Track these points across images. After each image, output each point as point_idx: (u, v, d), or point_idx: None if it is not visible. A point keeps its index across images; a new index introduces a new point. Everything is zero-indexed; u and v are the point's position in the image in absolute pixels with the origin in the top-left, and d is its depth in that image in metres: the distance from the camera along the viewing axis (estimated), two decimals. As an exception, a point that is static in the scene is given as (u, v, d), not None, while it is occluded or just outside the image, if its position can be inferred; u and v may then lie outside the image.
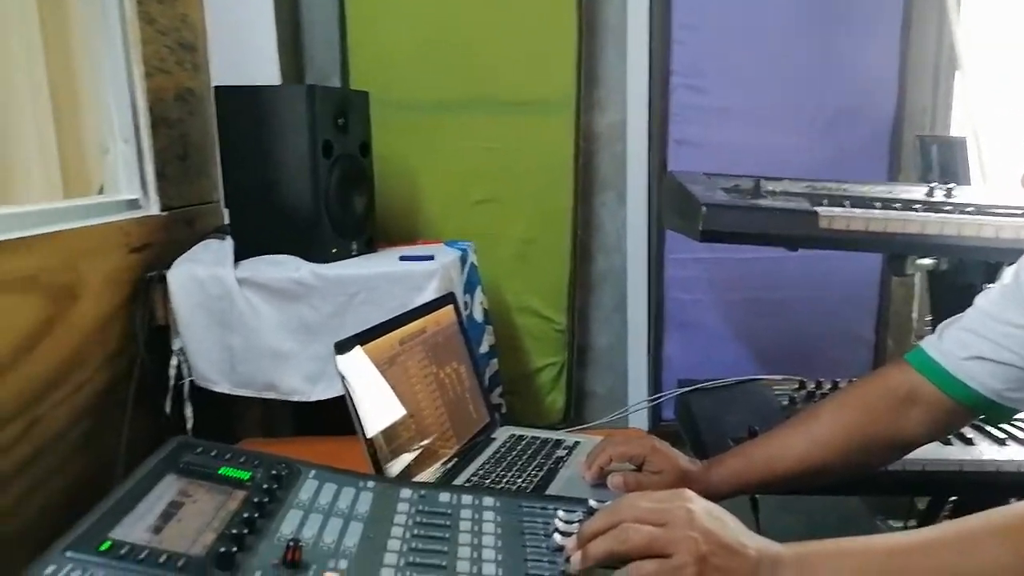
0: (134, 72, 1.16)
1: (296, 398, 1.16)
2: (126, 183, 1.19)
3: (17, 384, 0.88)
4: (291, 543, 0.57)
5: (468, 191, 1.53)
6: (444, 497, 0.72)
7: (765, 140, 1.57)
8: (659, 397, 1.57)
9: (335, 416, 1.26)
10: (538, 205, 1.55)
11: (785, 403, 1.13)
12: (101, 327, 1.05)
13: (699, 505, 0.58)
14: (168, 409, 1.16)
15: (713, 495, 0.70)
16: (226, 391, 1.16)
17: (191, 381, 1.17)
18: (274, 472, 0.69)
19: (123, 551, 0.53)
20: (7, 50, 1.48)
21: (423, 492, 0.72)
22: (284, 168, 1.18)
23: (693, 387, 1.20)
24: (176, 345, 1.16)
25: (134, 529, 0.57)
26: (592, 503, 0.69)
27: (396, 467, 0.89)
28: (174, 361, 1.17)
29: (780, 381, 1.22)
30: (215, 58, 1.37)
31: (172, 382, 1.17)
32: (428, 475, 0.92)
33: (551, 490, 0.88)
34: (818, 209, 0.98)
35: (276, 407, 1.32)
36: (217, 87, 1.18)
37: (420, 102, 1.50)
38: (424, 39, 1.49)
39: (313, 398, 1.15)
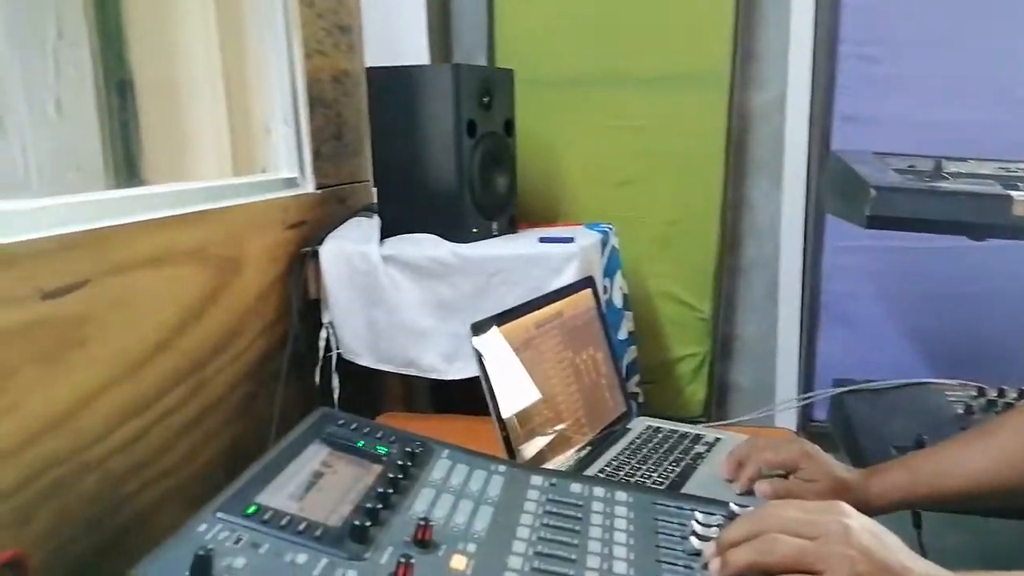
0: (295, 54, 1.21)
1: (433, 376, 1.18)
2: (285, 162, 1.25)
3: (187, 348, 0.95)
4: (422, 522, 0.57)
5: (611, 171, 1.49)
6: (576, 487, 0.70)
7: (948, 116, 1.41)
8: (812, 396, 1.47)
9: (471, 395, 1.28)
10: (684, 186, 1.49)
11: (960, 411, 1.02)
12: (260, 299, 1.12)
13: (857, 520, 0.53)
14: (317, 380, 1.22)
15: (870, 509, 0.64)
16: (370, 365, 1.20)
17: (338, 353, 1.22)
18: (409, 449, 0.70)
19: (267, 516, 0.56)
20: (190, 40, 1.61)
21: (554, 480, 0.71)
22: (429, 147, 1.19)
23: (851, 388, 1.11)
24: (326, 318, 1.21)
25: (278, 495, 0.59)
26: (733, 507, 0.64)
27: (528, 451, 0.88)
28: (323, 334, 1.22)
29: (955, 386, 1.10)
30: (368, 39, 1.41)
31: (321, 354, 1.22)
32: (560, 462, 0.91)
33: (688, 488, 0.84)
34: (1012, 193, 0.87)
35: (416, 382, 1.36)
36: (369, 68, 1.22)
37: (564, 79, 1.47)
38: (570, 13, 1.46)
39: (449, 377, 1.17)
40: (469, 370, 1.16)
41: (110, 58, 1.60)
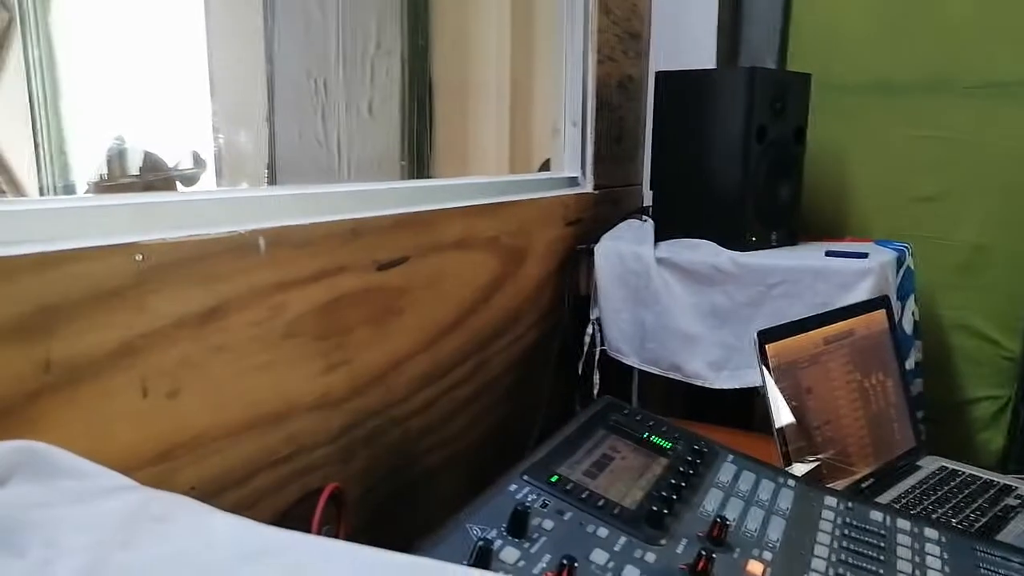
0: (589, 60, 1.26)
1: (699, 383, 1.16)
2: (569, 162, 1.31)
3: (476, 328, 1.03)
4: (718, 519, 0.57)
5: (910, 186, 1.36)
6: (876, 515, 0.65)
7: None
8: None
9: (730, 407, 1.25)
10: (1001, 206, 1.31)
11: None
12: (537, 290, 1.18)
13: None
14: (580, 371, 1.26)
15: None
16: (634, 364, 1.21)
17: (603, 350, 1.24)
18: (695, 447, 0.70)
19: (568, 487, 0.59)
20: (484, 46, 1.74)
21: (850, 504, 0.66)
22: (714, 152, 1.18)
23: None
24: (594, 315, 1.25)
25: (574, 470, 0.62)
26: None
27: (803, 470, 0.84)
28: (590, 329, 1.25)
29: None
30: (654, 43, 1.43)
31: (585, 348, 1.26)
32: (839, 488, 0.85)
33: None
34: None
35: (673, 387, 1.35)
36: (658, 72, 1.23)
37: (864, 85, 1.37)
38: (879, 14, 1.35)
39: (716, 386, 1.14)
40: (736, 380, 1.13)
41: (416, 64, 1.79)
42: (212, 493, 0.68)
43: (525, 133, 1.73)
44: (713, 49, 1.41)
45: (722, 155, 1.17)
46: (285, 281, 0.72)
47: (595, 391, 1.27)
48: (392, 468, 0.88)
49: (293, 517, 0.75)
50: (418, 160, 1.82)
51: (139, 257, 0.60)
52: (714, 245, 1.17)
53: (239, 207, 0.72)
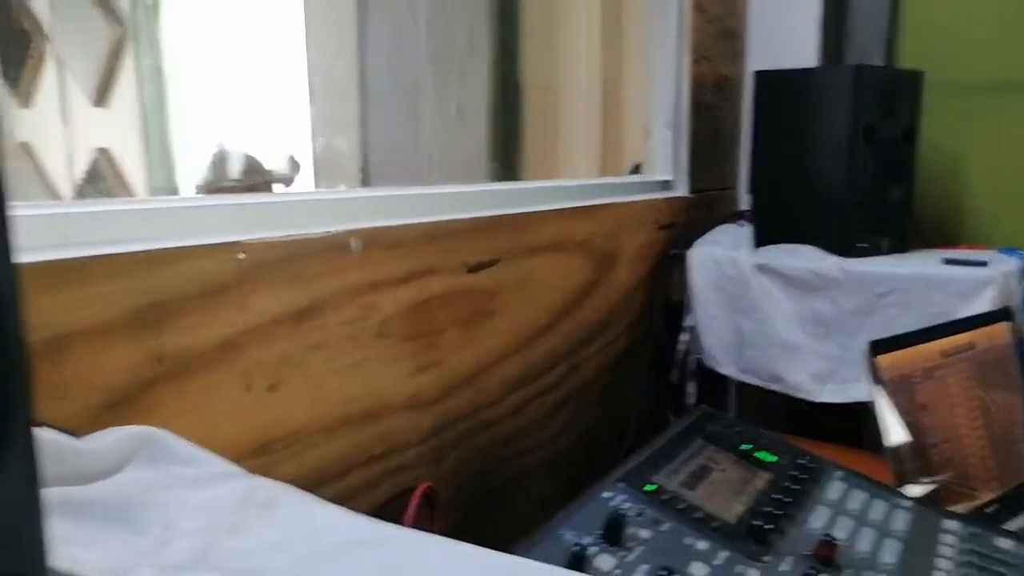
0: (683, 60, 1.23)
1: (801, 395, 1.10)
2: (661, 165, 1.28)
3: (567, 332, 1.01)
4: (826, 538, 0.54)
5: (1035, 191, 1.26)
6: (1004, 543, 0.60)
7: None
8: None
9: (835, 422, 1.18)
10: None
11: None
12: (628, 295, 1.16)
13: None
14: (674, 380, 1.22)
15: None
16: (731, 374, 1.17)
17: (698, 358, 1.21)
18: (800, 462, 0.66)
19: (664, 497, 0.57)
20: (573, 47, 1.73)
21: (975, 529, 0.61)
22: (817, 154, 1.12)
23: None
24: (688, 322, 1.21)
25: (671, 480, 0.60)
26: None
27: (917, 491, 0.78)
28: (684, 337, 1.22)
29: None
30: (751, 42, 1.38)
31: (679, 357, 1.22)
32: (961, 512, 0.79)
33: None
34: None
35: (774, 399, 1.30)
36: (757, 72, 1.19)
37: (985, 83, 1.28)
38: (998, 8, 1.26)
39: (820, 399, 1.08)
40: (841, 395, 1.07)
41: (505, 65, 1.80)
42: (308, 487, 0.69)
43: (615, 135, 1.70)
44: (815, 46, 1.35)
45: (826, 157, 1.11)
46: (377, 281, 0.73)
47: (689, 401, 1.24)
48: (482, 470, 0.88)
49: (385, 515, 0.75)
50: (508, 163, 1.82)
51: (241, 256, 0.61)
52: (817, 251, 1.11)
53: (334, 208, 0.74)
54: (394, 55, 1.71)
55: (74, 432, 0.42)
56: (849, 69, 1.11)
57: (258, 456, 0.63)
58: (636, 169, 1.43)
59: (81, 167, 1.70)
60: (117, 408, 0.53)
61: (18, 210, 0.52)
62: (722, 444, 0.68)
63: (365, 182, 1.66)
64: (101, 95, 1.71)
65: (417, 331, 0.78)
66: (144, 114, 1.71)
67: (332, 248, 0.69)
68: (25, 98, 1.65)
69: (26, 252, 0.51)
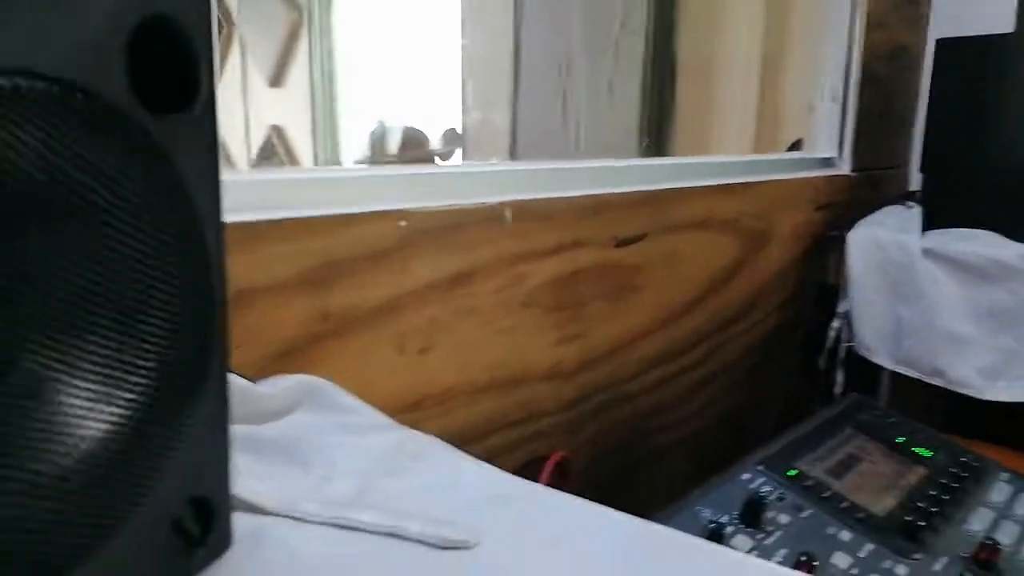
0: (855, 28, 1.15)
1: (966, 391, 1.02)
2: (825, 141, 1.21)
3: (712, 310, 1.00)
4: (988, 541, 0.50)
5: None
6: None
7: None
8: None
9: (1002, 422, 1.09)
10: None
11: None
12: (779, 276, 1.11)
13: None
14: (822, 366, 1.17)
15: None
16: (886, 365, 1.10)
17: (850, 346, 1.14)
18: (962, 460, 0.62)
19: (807, 483, 0.55)
20: (734, 21, 1.67)
21: None
22: (1006, 130, 1.02)
23: None
24: (842, 308, 1.15)
25: (815, 467, 0.58)
26: None
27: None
28: (836, 323, 1.16)
29: None
30: (936, 6, 1.27)
31: (830, 343, 1.17)
32: None
33: None
34: None
35: (933, 393, 1.21)
36: (940, 40, 1.09)
37: None
38: None
39: (987, 396, 1.00)
40: (1015, 393, 0.98)
41: (661, 42, 1.76)
42: (452, 446, 0.73)
43: (773, 111, 1.63)
44: (1012, 10, 1.22)
45: (1016, 134, 1.01)
46: (527, 252, 0.75)
47: (837, 390, 1.18)
48: (618, 444, 0.89)
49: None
50: (658, 140, 1.79)
51: (403, 223, 0.65)
52: (997, 236, 1.02)
53: (489, 180, 0.76)
54: (548, 34, 1.72)
55: (250, 378, 0.47)
56: (1049, 35, 1.00)
57: (409, 413, 0.67)
58: (796, 145, 1.37)
59: (256, 143, 1.86)
60: (287, 359, 0.59)
61: (229, 176, 0.58)
62: (874, 435, 0.65)
63: (513, 158, 1.70)
64: (277, 76, 1.85)
65: (563, 302, 0.80)
66: (314, 94, 1.83)
67: (486, 218, 0.71)
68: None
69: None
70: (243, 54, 1.82)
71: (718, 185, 1.00)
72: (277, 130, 1.85)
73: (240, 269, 0.56)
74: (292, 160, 1.83)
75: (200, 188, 0.28)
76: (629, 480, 0.93)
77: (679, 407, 0.97)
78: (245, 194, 0.60)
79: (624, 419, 0.88)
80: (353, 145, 1.83)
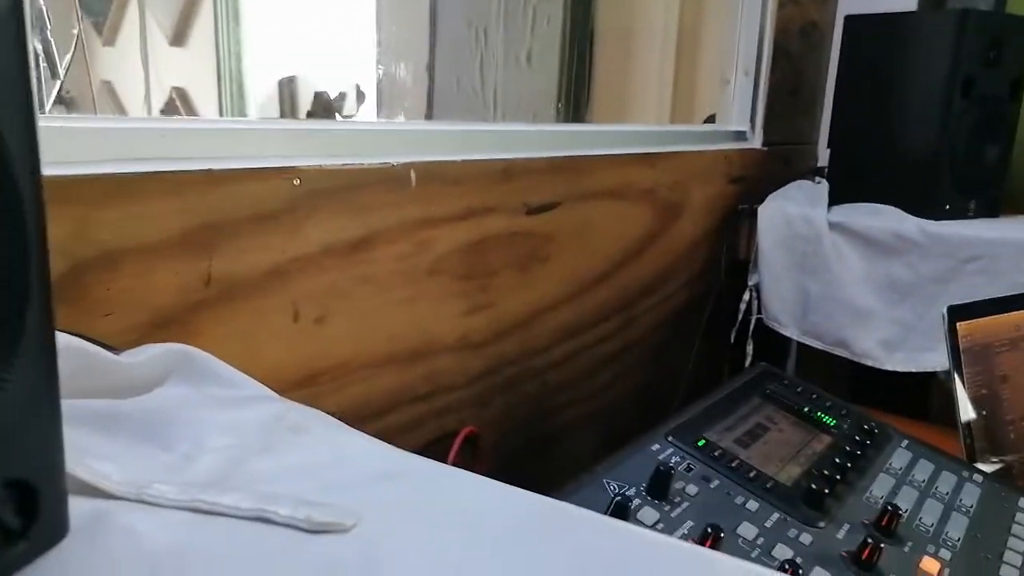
0: (768, 4, 1.16)
1: (867, 362, 1.05)
2: (737, 115, 1.21)
3: (623, 284, 0.98)
4: (889, 507, 0.50)
5: None
6: (1087, 528, 0.55)
7: None
8: None
9: (900, 392, 1.12)
10: None
11: None
12: (691, 249, 1.11)
13: None
14: (732, 340, 1.18)
15: None
16: (793, 336, 1.12)
17: (759, 319, 1.16)
18: (864, 427, 0.63)
19: (716, 453, 0.54)
20: (651, -8, 1.66)
21: (1054, 511, 0.57)
22: (908, 107, 1.05)
23: None
24: (752, 281, 1.16)
25: (724, 437, 0.57)
26: None
27: (990, 468, 0.73)
28: (746, 296, 1.17)
29: None
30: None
31: (740, 316, 1.18)
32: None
33: None
34: None
35: (837, 364, 1.24)
36: (848, 16, 1.10)
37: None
38: None
39: (887, 367, 1.03)
40: (912, 364, 1.01)
41: (579, 11, 1.74)
42: (351, 423, 0.69)
43: (689, 84, 1.63)
44: (916, -10, 1.25)
45: (918, 111, 1.04)
46: (433, 217, 0.71)
47: (746, 362, 1.19)
48: (527, 418, 0.87)
49: (427, 456, 0.75)
50: (575, 108, 1.77)
51: (296, 182, 0.60)
52: (898, 211, 1.04)
53: (393, 139, 0.72)
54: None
55: (115, 348, 0.41)
56: (951, 15, 1.02)
57: (303, 388, 0.63)
58: (711, 119, 1.37)
59: (157, 105, 1.73)
60: (164, 328, 0.53)
61: (77, 123, 0.51)
62: (781, 404, 0.64)
63: (430, 119, 1.65)
64: (179, 35, 1.73)
65: (471, 271, 0.76)
66: (219, 54, 1.72)
67: (389, 180, 0.67)
68: (111, 36, 1.68)
69: (80, 165, 0.51)
70: (142, 11, 1.69)
71: (635, 154, 0.98)
72: (180, 92, 1.74)
73: (108, 227, 0.50)
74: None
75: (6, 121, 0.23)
76: (540, 454, 0.91)
77: (588, 381, 0.96)
78: (113, 143, 0.54)
79: (533, 393, 0.86)
80: (261, 106, 1.74)
